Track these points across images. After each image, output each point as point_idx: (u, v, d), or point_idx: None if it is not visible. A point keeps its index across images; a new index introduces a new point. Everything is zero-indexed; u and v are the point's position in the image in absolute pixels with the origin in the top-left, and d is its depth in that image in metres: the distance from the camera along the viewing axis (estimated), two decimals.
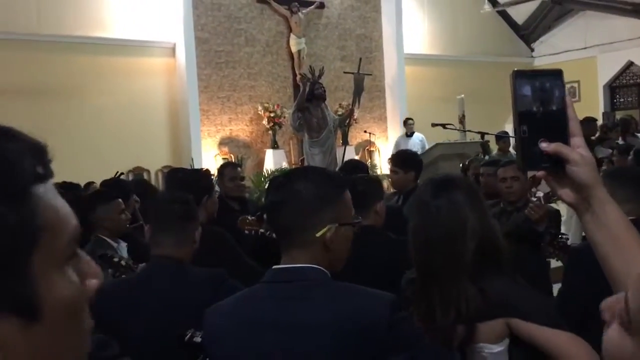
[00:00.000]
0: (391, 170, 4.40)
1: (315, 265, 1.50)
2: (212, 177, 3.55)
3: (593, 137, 8.74)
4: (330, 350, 1.41)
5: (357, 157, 9.87)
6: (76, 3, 8.81)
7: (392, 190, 4.81)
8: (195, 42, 9.52)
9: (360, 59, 8.32)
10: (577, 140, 0.95)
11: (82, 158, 8.13)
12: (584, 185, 0.94)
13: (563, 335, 1.61)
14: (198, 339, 1.69)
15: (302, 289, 1.49)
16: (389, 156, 4.73)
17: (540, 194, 3.35)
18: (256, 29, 10.20)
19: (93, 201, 3.23)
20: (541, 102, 0.94)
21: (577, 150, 0.94)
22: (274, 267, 1.55)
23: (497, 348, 1.71)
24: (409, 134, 9.90)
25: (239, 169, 4.46)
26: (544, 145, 0.93)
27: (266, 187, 1.66)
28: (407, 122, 10.02)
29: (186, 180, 2.93)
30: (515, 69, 0.96)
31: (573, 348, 1.55)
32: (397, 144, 9.59)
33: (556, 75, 0.95)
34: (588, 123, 8.66)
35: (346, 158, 8.91)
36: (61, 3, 8.66)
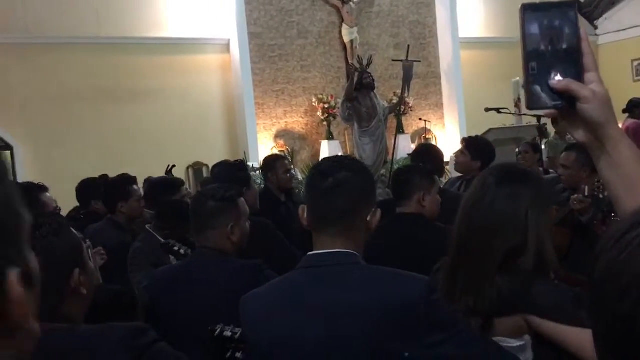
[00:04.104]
0: (460, 150, 4.34)
1: (349, 250, 1.56)
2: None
3: None
4: (370, 332, 1.44)
5: (413, 146, 9.77)
6: (133, 5, 9.10)
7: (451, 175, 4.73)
8: (248, 37, 9.66)
9: (409, 46, 8.23)
10: (592, 75, 0.89)
11: (144, 155, 8.43)
12: (595, 124, 0.89)
13: (579, 332, 1.56)
14: (228, 333, 1.75)
15: (339, 273, 1.53)
16: (463, 137, 4.62)
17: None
18: (308, 21, 10.25)
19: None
20: (551, 39, 0.89)
21: (589, 87, 0.88)
22: (310, 253, 1.60)
23: (515, 342, 1.66)
24: None
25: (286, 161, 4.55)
26: (553, 82, 0.88)
27: (308, 175, 1.70)
28: None
29: (223, 174, 3.01)
30: (524, 3, 0.91)
31: (588, 343, 1.51)
32: None
33: (569, 6, 0.90)
34: None
35: (400, 147, 8.88)
36: (119, 6, 8.97)
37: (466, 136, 4.58)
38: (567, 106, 0.89)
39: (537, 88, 0.89)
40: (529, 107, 0.93)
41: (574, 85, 0.88)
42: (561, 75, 0.88)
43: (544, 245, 1.63)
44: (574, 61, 0.89)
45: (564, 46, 0.89)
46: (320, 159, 9.99)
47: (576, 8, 0.90)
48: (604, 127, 0.89)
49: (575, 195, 3.26)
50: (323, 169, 1.62)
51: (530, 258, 1.61)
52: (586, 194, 3.20)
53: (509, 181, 1.69)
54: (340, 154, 9.84)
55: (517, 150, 6.10)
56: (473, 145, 4.26)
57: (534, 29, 0.89)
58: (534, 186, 1.69)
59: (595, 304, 0.63)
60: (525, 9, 0.90)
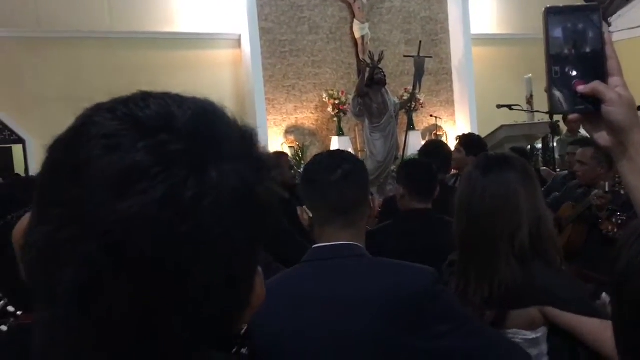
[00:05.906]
0: (456, 148, 4.48)
1: (354, 242, 1.56)
2: None
3: None
4: (377, 323, 1.43)
5: (423, 142, 9.73)
6: (145, 0, 9.12)
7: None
8: (259, 33, 9.65)
9: (420, 42, 8.19)
10: (616, 79, 0.88)
11: None
12: (620, 128, 0.87)
13: (597, 323, 1.55)
14: None
15: (344, 265, 1.54)
16: (457, 135, 4.79)
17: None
18: (319, 17, 10.23)
19: None
20: (575, 43, 0.88)
21: (615, 90, 0.87)
22: (315, 246, 1.60)
23: (531, 335, 1.67)
24: None
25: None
26: (580, 87, 0.87)
27: (307, 170, 1.71)
28: None
29: None
30: (547, 6, 0.89)
31: (606, 335, 1.50)
32: None
33: (593, 10, 0.89)
34: None
35: (411, 143, 8.84)
36: (131, 1, 8.99)
37: (460, 134, 4.72)
38: (591, 110, 0.88)
39: (561, 92, 0.88)
40: (552, 112, 0.92)
41: (600, 87, 0.87)
42: (585, 79, 0.87)
43: (542, 217, 1.68)
44: (598, 65, 0.88)
45: (588, 50, 0.88)
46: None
47: (600, 12, 0.89)
48: (628, 131, 0.88)
49: (596, 191, 3.26)
50: (328, 163, 1.63)
51: (526, 233, 1.65)
52: (607, 189, 3.20)
53: (493, 168, 1.75)
54: (350, 149, 9.82)
55: (528, 147, 6.05)
56: (466, 141, 4.43)
57: (557, 32, 0.88)
58: (518, 167, 1.76)
59: (618, 302, 0.62)
60: (549, 12, 0.89)
